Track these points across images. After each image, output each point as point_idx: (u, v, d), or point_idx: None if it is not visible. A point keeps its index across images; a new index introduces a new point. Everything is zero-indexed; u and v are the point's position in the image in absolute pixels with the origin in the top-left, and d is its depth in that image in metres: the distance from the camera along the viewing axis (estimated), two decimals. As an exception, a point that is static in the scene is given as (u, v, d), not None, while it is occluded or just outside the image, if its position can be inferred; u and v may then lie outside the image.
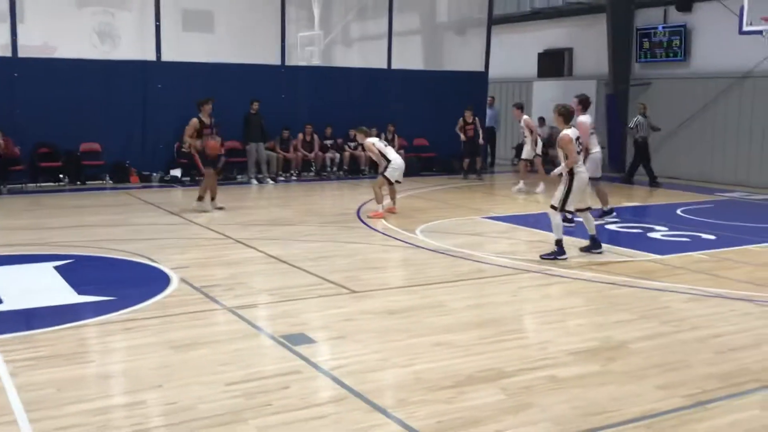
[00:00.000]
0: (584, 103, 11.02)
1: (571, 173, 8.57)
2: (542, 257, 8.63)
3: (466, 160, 17.12)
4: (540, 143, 15.68)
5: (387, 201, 12.02)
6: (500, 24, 21.21)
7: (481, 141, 17.29)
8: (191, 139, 11.85)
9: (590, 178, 9.68)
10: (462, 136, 16.94)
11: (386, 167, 11.75)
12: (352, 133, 16.21)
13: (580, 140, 9.13)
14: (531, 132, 15.25)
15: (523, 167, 15.47)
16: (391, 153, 12.02)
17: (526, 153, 15.39)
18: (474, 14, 20.10)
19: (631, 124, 16.69)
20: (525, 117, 15.41)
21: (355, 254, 8.98)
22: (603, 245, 9.11)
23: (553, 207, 8.68)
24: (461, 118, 16.98)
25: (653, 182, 16.28)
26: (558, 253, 8.59)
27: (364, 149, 13.11)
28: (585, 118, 10.89)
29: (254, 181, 16.14)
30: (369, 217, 11.50)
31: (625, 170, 17.52)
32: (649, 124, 16.40)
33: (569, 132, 8.64)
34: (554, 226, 8.66)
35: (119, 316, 6.25)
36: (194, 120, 11.88)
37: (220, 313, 6.46)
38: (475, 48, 19.74)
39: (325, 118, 17.36)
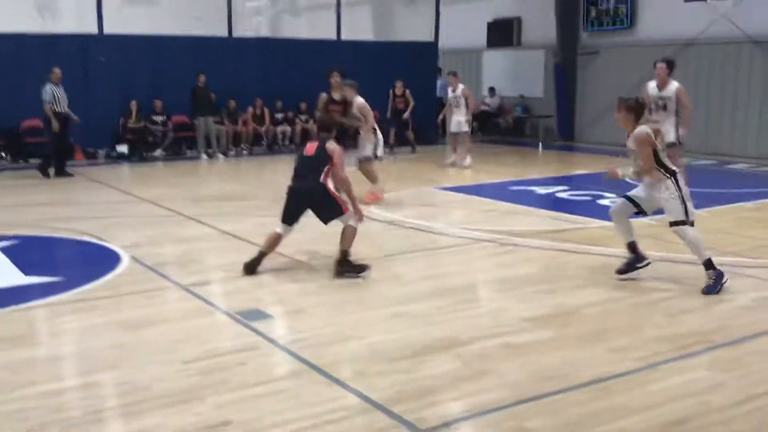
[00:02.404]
0: (671, 66, 10.24)
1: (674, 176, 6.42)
2: (704, 292, 6.21)
3: (393, 131, 16.51)
4: (469, 116, 14.59)
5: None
6: (449, -7, 21.14)
7: (406, 115, 16.62)
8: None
9: None
10: (389, 110, 16.62)
11: (376, 144, 10.27)
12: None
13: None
14: (467, 103, 14.37)
15: (454, 139, 14.83)
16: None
17: (455, 125, 14.43)
18: (422, -16, 20.00)
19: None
20: (462, 86, 14.57)
21: (309, 228, 8.91)
22: (554, 212, 9.15)
23: (676, 223, 6.40)
24: (391, 90, 16.71)
25: None
26: (718, 278, 6.26)
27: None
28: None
29: (204, 156, 15.90)
30: (366, 203, 9.76)
31: (573, 138, 17.65)
32: None
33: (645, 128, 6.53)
34: (691, 245, 6.44)
35: (69, 297, 6.11)
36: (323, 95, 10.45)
37: (173, 291, 6.38)
38: (424, 18, 19.64)
39: (275, 91, 17.14)
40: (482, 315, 5.75)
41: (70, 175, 13.19)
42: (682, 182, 6.45)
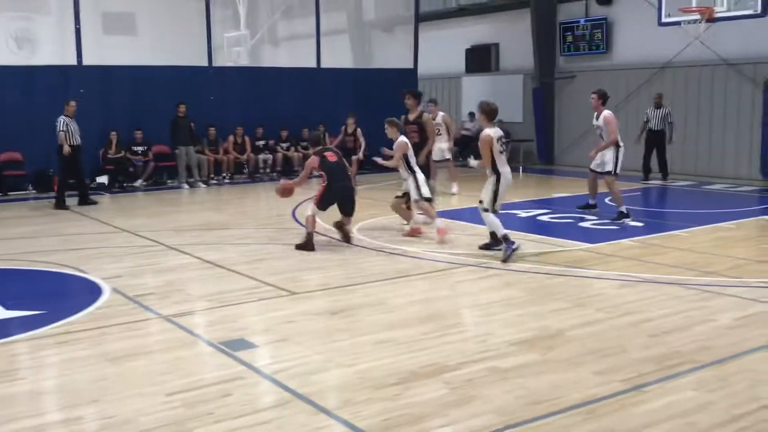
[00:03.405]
0: (604, 98, 11.01)
1: (496, 172, 8.35)
2: (503, 261, 8.14)
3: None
4: (451, 143, 14.25)
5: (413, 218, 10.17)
6: (427, 21, 21.38)
7: (359, 156, 15.44)
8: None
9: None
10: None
11: (417, 185, 9.73)
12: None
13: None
14: (447, 130, 13.99)
15: (433, 167, 13.50)
16: (414, 162, 9.92)
17: (438, 152, 13.56)
18: (401, 12, 20.22)
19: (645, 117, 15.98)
20: (442, 113, 14.19)
21: (292, 256, 8.91)
22: (536, 236, 9.23)
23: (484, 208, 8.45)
24: (343, 126, 15.74)
25: (664, 176, 15.78)
26: (509, 247, 8.20)
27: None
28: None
29: (186, 186, 15.85)
30: (405, 235, 9.85)
31: (553, 161, 17.75)
32: (663, 116, 15.64)
33: (489, 132, 8.39)
34: (492, 225, 8.46)
35: (51, 330, 6.04)
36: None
37: (156, 322, 6.32)
38: (403, 45, 19.84)
39: (255, 119, 17.20)
40: (468, 340, 5.74)
41: (94, 203, 13.43)
42: (502, 180, 8.38)
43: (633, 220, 10.73)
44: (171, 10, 16.77)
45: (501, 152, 8.52)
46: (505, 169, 8.49)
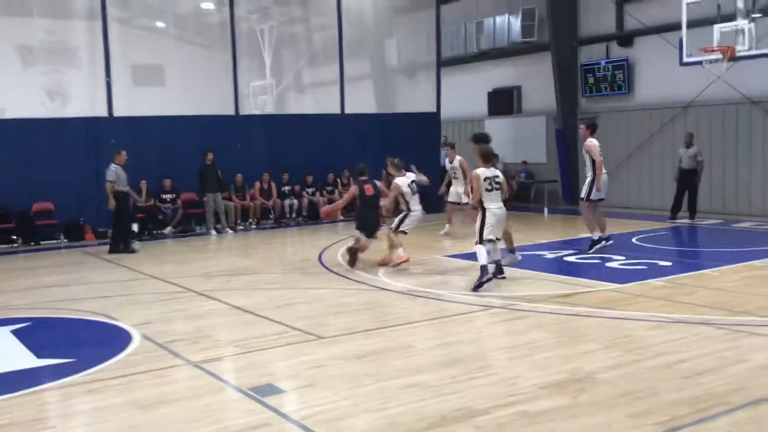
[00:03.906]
0: (592, 128, 11.58)
1: (483, 208, 9.14)
2: (472, 290, 8.89)
3: None
4: (467, 186, 13.68)
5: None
6: (449, 66, 21.64)
7: None
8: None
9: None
10: None
11: (405, 216, 10.96)
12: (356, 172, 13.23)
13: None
14: (464, 174, 13.92)
15: (450, 210, 14.57)
16: (414, 202, 11.04)
17: (455, 195, 14.27)
18: (423, 58, 20.49)
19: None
20: (459, 158, 14.43)
21: (319, 300, 8.94)
22: (564, 276, 9.21)
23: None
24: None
25: (692, 215, 15.44)
26: (484, 275, 8.92)
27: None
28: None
29: (213, 232, 16.02)
30: (390, 265, 10.67)
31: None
32: (692, 155, 15.38)
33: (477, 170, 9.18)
34: (479, 255, 9.10)
35: (81, 378, 6.09)
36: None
37: (185, 369, 6.35)
38: (426, 90, 20.08)
39: (281, 165, 17.43)
40: (497, 383, 5.69)
41: (134, 251, 13.63)
42: (489, 216, 9.07)
43: (609, 246, 11.38)
44: (199, 61, 17.19)
45: (489, 190, 9.10)
46: (491, 206, 9.10)
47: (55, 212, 15.23)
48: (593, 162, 11.21)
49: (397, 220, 11.04)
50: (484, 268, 8.92)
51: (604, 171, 11.36)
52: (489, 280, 8.94)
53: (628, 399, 5.19)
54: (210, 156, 15.91)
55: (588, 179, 11.38)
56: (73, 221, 15.32)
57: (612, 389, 5.41)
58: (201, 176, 16.00)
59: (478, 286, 8.88)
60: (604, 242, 11.57)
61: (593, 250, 11.39)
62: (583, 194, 11.47)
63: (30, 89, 15.53)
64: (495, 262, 9.35)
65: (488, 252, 9.04)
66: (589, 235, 11.72)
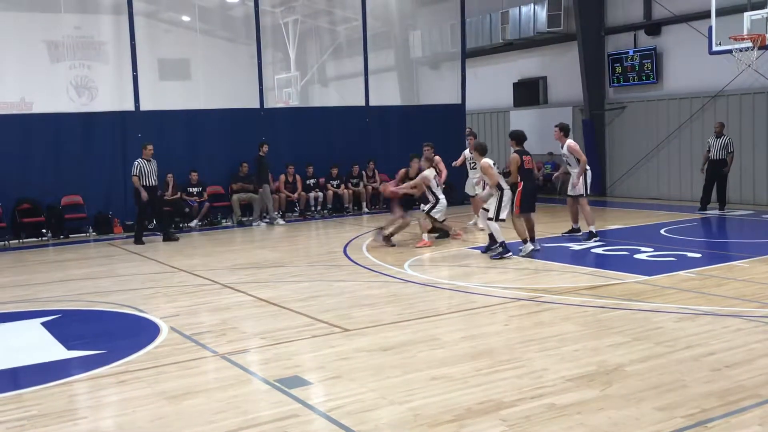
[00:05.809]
0: (565, 130, 12.30)
1: (500, 189, 10.61)
2: (492, 257, 10.54)
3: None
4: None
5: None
6: (474, 56, 21.51)
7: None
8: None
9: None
10: None
11: (435, 204, 12.17)
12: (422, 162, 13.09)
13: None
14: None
15: (474, 201, 14.14)
16: (440, 192, 12.32)
17: (471, 187, 14.10)
18: (448, 49, 20.40)
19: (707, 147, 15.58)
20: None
21: (345, 292, 8.96)
22: (591, 268, 9.15)
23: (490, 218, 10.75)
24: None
25: (721, 206, 15.27)
26: (505, 251, 10.57)
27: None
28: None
29: (281, 221, 16.34)
30: (417, 246, 11.93)
31: (605, 192, 17.54)
32: (723, 146, 15.12)
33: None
34: (496, 232, 10.69)
35: (110, 370, 6.17)
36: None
37: (212, 360, 6.40)
38: (450, 81, 19.98)
39: (306, 158, 17.46)
40: (524, 375, 5.66)
41: (176, 239, 14.17)
42: (506, 195, 10.63)
43: (599, 240, 11.83)
44: (223, 55, 17.29)
45: (500, 174, 10.86)
46: (506, 187, 10.71)
47: (84, 206, 15.42)
48: (578, 161, 11.95)
49: (427, 207, 12.21)
50: (503, 245, 10.57)
51: (588, 168, 12.17)
52: (509, 255, 10.44)
53: (657, 392, 5.14)
54: (265, 148, 16.00)
55: (581, 177, 11.97)
56: (101, 214, 15.51)
57: (640, 382, 5.36)
58: (259, 168, 16.07)
59: (498, 258, 10.50)
60: (573, 233, 12.49)
61: (591, 240, 11.85)
62: (581, 192, 12.06)
63: (58, 84, 15.73)
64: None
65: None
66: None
